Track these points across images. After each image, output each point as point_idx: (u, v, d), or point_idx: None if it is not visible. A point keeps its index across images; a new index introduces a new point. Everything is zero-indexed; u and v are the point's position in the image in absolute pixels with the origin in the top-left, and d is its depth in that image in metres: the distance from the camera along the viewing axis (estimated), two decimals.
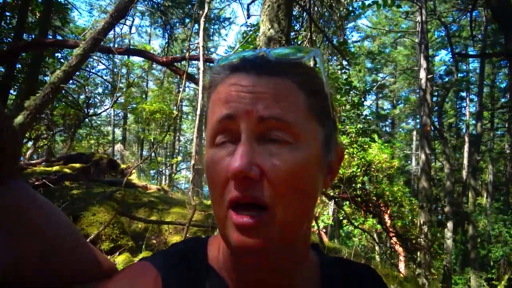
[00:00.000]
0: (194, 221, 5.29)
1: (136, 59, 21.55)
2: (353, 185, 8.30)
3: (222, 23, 27.28)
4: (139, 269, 0.60)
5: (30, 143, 10.54)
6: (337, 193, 7.90)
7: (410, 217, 9.64)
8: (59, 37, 10.93)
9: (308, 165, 0.52)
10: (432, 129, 15.07)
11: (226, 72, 0.55)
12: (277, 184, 0.49)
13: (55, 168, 8.20)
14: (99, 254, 0.99)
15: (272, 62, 0.53)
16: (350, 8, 5.52)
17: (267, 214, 0.50)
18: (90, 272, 0.91)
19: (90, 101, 15.75)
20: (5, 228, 0.73)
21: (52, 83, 4.03)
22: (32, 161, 8.93)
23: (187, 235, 4.89)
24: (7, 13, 7.45)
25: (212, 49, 29.86)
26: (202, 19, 4.80)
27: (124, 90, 14.88)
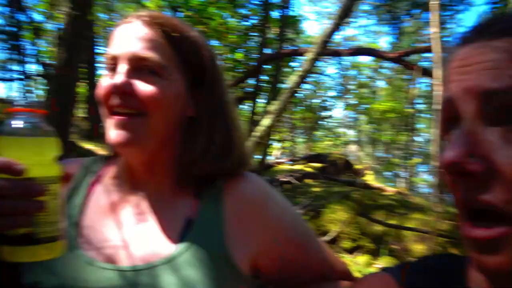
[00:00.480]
0: (439, 230, 4.80)
1: (364, 58, 21.62)
2: None
3: (456, 8, 24.26)
4: (382, 283, 0.52)
5: (277, 144, 11.93)
6: None
7: None
8: (293, 47, 12.01)
9: None
10: None
11: (453, 50, 0.44)
12: None
13: (298, 166, 8.98)
14: (332, 253, 0.91)
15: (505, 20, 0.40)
16: None
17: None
18: (326, 271, 0.84)
19: (324, 104, 16.65)
20: (245, 219, 0.78)
21: (290, 88, 4.36)
22: (279, 160, 10.06)
23: (432, 245, 4.47)
24: (252, 34, 8.60)
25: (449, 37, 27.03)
26: (435, 2, 4.24)
27: (354, 91, 15.13)
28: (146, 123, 0.73)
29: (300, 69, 4.41)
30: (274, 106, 4.46)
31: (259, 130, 4.33)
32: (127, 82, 0.72)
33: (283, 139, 11.68)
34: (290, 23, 9.99)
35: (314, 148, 15.10)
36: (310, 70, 4.51)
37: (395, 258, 4.94)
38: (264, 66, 7.87)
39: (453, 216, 6.21)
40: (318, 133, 16.15)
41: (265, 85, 8.37)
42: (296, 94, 6.28)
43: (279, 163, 9.48)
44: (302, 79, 4.47)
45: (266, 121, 4.38)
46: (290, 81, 4.49)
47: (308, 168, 8.78)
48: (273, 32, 8.44)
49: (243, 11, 8.32)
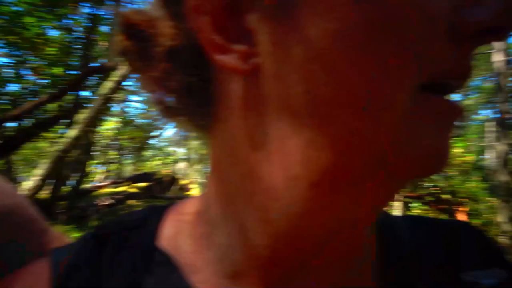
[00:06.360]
0: None
1: None
2: (424, 183, 7.77)
3: None
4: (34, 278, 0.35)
5: (101, 168, 11.27)
6: (405, 192, 7.42)
7: (489, 215, 8.83)
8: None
9: None
10: (510, 117, 13.75)
11: None
12: None
13: (122, 188, 8.64)
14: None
15: None
16: None
17: None
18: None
19: (155, 123, 16.54)
20: None
21: (104, 94, 4.20)
22: (99, 184, 9.51)
23: None
24: (76, 47, 8.05)
25: None
26: None
27: None
28: None
29: (114, 77, 4.27)
30: (83, 115, 4.22)
31: (64, 142, 4.03)
32: None
33: (109, 161, 11.12)
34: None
35: (142, 168, 14.80)
36: (124, 79, 4.41)
37: None
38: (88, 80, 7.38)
39: None
40: (147, 152, 15.89)
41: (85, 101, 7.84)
42: (109, 104, 6.04)
43: (100, 187, 8.96)
44: (116, 88, 4.34)
45: (72, 132, 4.11)
46: (103, 89, 4.31)
47: (132, 189, 8.54)
48: (101, 45, 8.03)
49: (66, 22, 7.66)
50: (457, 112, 0.27)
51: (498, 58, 11.63)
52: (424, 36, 0.24)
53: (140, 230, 0.37)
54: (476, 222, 7.86)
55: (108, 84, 4.26)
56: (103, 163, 10.64)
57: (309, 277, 0.31)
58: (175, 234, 0.36)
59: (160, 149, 16.75)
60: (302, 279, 0.31)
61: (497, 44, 11.63)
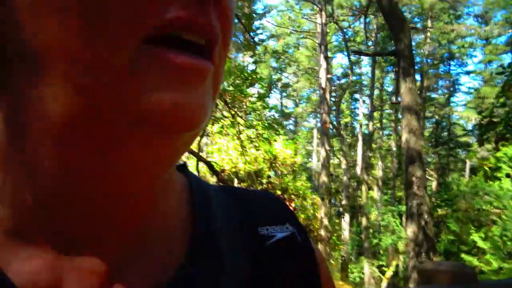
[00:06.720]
0: None
1: None
2: (260, 178, 8.34)
3: None
4: None
5: None
6: (244, 187, 7.85)
7: (312, 211, 10.06)
8: None
9: None
10: (331, 127, 15.99)
11: None
12: (229, 17, 0.30)
13: None
14: None
15: None
16: None
17: (210, 61, 0.29)
18: None
19: None
20: None
21: None
22: None
23: None
24: None
25: None
26: None
27: None
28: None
29: None
30: None
31: None
32: None
33: None
34: None
35: None
36: None
37: None
38: None
39: None
40: None
41: None
42: None
43: None
44: None
45: None
46: None
47: None
48: None
49: None
50: (187, 66, 0.26)
51: (322, 75, 13.45)
52: None
53: None
54: (302, 216, 8.86)
55: None
56: None
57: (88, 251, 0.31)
58: None
59: None
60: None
61: (323, 63, 13.43)
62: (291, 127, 28.41)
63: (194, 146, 6.42)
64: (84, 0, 0.24)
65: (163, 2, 0.26)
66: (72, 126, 0.27)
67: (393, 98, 20.87)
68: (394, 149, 20.76)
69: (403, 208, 11.09)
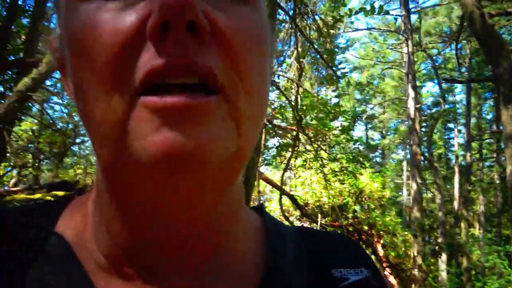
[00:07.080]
0: None
1: None
2: (345, 213, 8.13)
3: None
4: None
5: (14, 171, 10.26)
6: (328, 221, 7.70)
7: (403, 248, 9.44)
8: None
9: (266, 36, 0.34)
10: (422, 159, 15.10)
11: None
12: (238, 54, 0.30)
13: (37, 195, 7.93)
14: None
15: None
16: (338, 17, 5.50)
17: (221, 97, 0.29)
18: None
19: (78, 130, 15.59)
20: None
21: (19, 91, 3.82)
22: (12, 189, 8.63)
23: None
24: None
25: None
26: None
27: None
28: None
29: (35, 70, 3.90)
30: None
31: None
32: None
33: (24, 165, 10.19)
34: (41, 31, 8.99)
35: (62, 175, 13.79)
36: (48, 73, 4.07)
37: None
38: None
39: None
40: (69, 160, 14.85)
41: None
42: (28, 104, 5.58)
43: (13, 192, 8.14)
44: (36, 86, 3.99)
45: None
46: (20, 82, 3.92)
47: (50, 197, 7.87)
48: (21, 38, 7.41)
49: None
50: (174, 106, 0.27)
51: (411, 104, 12.86)
52: (118, 53, 0.28)
53: (36, 217, 0.38)
54: (392, 254, 8.37)
55: (26, 81, 3.87)
56: (17, 167, 9.72)
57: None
58: (77, 224, 0.39)
59: (83, 157, 15.76)
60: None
61: (411, 93, 12.88)
62: (378, 159, 27.33)
63: (277, 180, 6.56)
64: (74, 69, 0.32)
65: (136, 58, 0.28)
66: (107, 170, 0.34)
67: (494, 127, 19.15)
68: (498, 181, 18.81)
69: None
